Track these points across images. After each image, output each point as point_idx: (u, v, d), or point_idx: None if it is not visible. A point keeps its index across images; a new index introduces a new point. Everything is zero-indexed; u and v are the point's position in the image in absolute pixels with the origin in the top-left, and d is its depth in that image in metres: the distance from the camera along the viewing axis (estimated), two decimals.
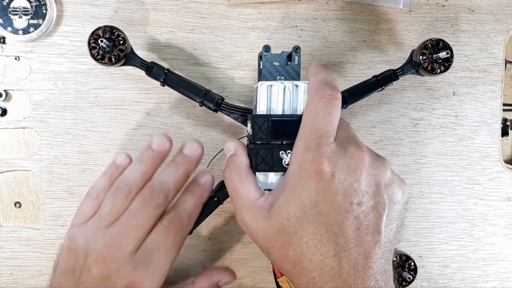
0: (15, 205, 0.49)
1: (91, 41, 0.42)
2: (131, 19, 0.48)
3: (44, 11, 0.46)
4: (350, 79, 0.49)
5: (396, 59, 0.49)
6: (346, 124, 0.38)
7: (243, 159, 0.39)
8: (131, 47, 0.43)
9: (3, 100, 0.48)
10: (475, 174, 0.50)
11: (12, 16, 0.46)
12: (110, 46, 0.41)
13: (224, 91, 0.48)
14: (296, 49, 0.40)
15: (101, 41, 0.41)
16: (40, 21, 0.46)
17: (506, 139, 0.52)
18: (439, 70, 0.43)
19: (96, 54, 0.42)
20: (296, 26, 0.49)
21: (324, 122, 0.35)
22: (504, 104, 0.51)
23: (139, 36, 0.48)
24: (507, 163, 0.51)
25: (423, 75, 0.45)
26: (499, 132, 0.50)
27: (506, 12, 0.49)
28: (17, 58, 0.48)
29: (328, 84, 0.37)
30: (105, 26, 0.42)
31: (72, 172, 0.48)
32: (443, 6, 0.49)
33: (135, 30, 0.48)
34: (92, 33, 0.42)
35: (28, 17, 0.46)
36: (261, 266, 0.49)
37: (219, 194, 0.43)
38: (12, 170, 0.48)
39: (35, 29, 0.46)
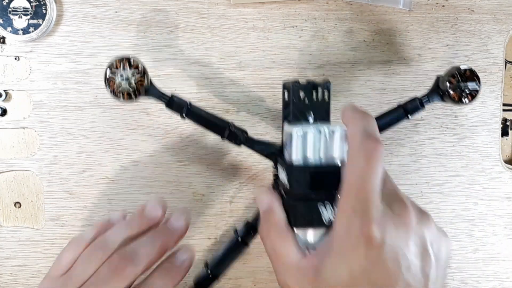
0: (15, 205, 0.49)
1: (108, 74, 0.38)
2: (131, 19, 0.48)
3: (44, 11, 0.46)
4: (350, 79, 0.49)
5: (396, 59, 0.49)
6: (387, 175, 0.36)
7: (280, 216, 0.36)
8: (151, 80, 0.40)
9: (3, 100, 0.48)
10: (475, 174, 0.50)
11: (12, 16, 0.46)
12: (129, 79, 0.38)
13: (224, 91, 0.48)
14: (326, 84, 0.38)
15: (121, 75, 0.38)
16: (40, 21, 0.46)
17: (506, 139, 0.52)
18: (466, 100, 0.41)
19: (114, 89, 0.39)
20: (296, 26, 0.49)
21: (370, 181, 0.32)
22: (504, 104, 0.51)
23: (139, 36, 0.48)
24: (507, 163, 0.51)
25: (449, 103, 0.43)
26: (499, 132, 0.50)
27: (506, 12, 0.49)
28: (17, 58, 0.48)
29: (370, 136, 0.33)
30: (122, 57, 0.39)
31: (72, 172, 0.48)
32: (443, 6, 0.49)
33: (135, 30, 0.48)
34: (110, 66, 0.39)
35: (28, 17, 0.46)
36: (261, 266, 0.49)
37: (247, 237, 0.41)
38: (12, 170, 0.48)
39: (35, 29, 0.46)
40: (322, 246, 0.34)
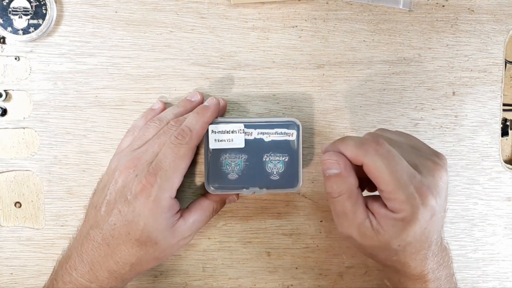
0: (15, 205, 0.49)
1: None
2: (131, 19, 0.48)
3: (44, 11, 0.46)
4: (350, 79, 0.49)
5: (396, 59, 0.49)
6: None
7: (352, 180, 0.39)
8: None
9: (3, 100, 0.48)
10: (475, 174, 0.50)
11: (12, 16, 0.46)
12: None
13: (224, 91, 0.48)
14: None
15: None
16: (40, 21, 0.46)
17: (506, 139, 0.52)
18: None
19: None
20: (296, 26, 0.49)
21: (401, 168, 0.37)
22: (504, 104, 0.51)
23: (139, 36, 0.48)
24: (507, 163, 0.51)
25: None
26: (499, 132, 0.50)
27: (506, 12, 0.49)
28: (17, 58, 0.48)
29: (364, 143, 0.38)
30: None
31: (72, 172, 0.48)
32: (443, 6, 0.49)
33: (135, 30, 0.48)
34: None
35: (28, 17, 0.46)
36: (261, 266, 0.49)
37: None
38: (12, 170, 0.48)
39: (35, 29, 0.46)
40: (380, 214, 0.38)
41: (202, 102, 0.47)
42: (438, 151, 0.41)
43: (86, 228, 0.42)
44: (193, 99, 0.47)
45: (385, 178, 0.37)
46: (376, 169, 0.37)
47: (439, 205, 0.37)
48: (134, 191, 0.41)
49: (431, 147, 0.49)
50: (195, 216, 0.45)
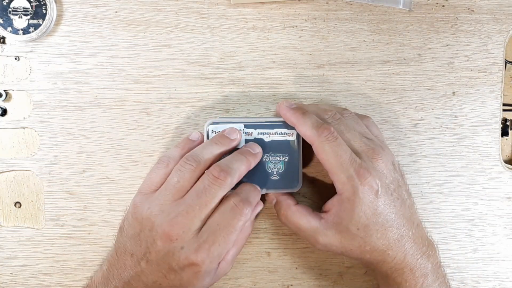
0: (15, 205, 0.49)
1: None
2: (131, 19, 0.48)
3: (44, 11, 0.46)
4: (350, 79, 0.49)
5: (396, 59, 0.49)
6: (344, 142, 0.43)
7: (288, 202, 0.44)
8: None
9: (3, 100, 0.48)
10: (475, 174, 0.50)
11: (12, 16, 0.46)
12: None
13: (224, 91, 0.48)
14: None
15: None
16: (40, 21, 0.46)
17: (506, 139, 0.52)
18: None
19: None
20: (296, 26, 0.49)
21: (344, 154, 0.41)
22: (504, 104, 0.51)
23: (139, 36, 0.48)
24: (507, 163, 0.51)
25: None
26: (499, 132, 0.50)
27: (506, 12, 0.49)
28: (17, 58, 0.48)
29: (319, 127, 0.41)
30: None
31: (72, 172, 0.48)
32: (443, 6, 0.49)
33: (135, 30, 0.48)
34: None
35: (28, 17, 0.46)
36: (261, 266, 0.49)
37: None
38: (12, 170, 0.48)
39: (35, 29, 0.46)
40: (333, 210, 0.42)
41: (239, 140, 0.44)
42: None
43: (126, 276, 0.40)
44: (231, 136, 0.44)
45: (330, 161, 0.41)
46: (323, 152, 0.41)
47: (382, 188, 0.41)
48: (181, 264, 0.38)
49: (431, 147, 0.50)
50: (232, 250, 0.43)
